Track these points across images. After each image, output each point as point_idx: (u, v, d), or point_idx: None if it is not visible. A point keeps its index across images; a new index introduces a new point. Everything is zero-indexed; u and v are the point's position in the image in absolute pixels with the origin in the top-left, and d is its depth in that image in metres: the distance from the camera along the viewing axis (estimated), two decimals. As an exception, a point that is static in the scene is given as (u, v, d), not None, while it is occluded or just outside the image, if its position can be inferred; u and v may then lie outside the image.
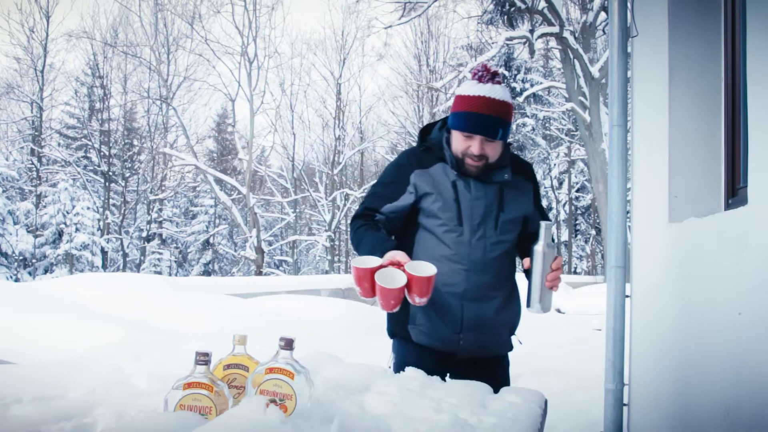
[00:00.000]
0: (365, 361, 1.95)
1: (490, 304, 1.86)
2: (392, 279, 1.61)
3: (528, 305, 1.71)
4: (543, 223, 1.69)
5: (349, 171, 31.52)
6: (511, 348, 2.00)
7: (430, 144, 1.92)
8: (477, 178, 1.83)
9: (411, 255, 1.84)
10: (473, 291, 1.83)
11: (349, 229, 1.95)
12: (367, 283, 1.64)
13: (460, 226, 1.83)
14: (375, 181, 2.08)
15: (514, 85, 21.52)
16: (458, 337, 1.84)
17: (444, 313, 1.84)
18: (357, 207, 2.02)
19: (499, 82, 1.80)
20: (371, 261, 1.67)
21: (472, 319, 1.84)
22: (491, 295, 1.86)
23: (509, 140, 1.92)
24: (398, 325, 1.93)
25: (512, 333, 1.98)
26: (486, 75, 1.78)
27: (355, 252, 1.88)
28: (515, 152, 2.20)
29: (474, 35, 20.44)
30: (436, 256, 1.82)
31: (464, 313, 1.83)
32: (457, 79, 18.11)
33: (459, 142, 1.82)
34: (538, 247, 1.68)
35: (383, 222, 1.89)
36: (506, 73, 21.14)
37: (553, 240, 1.76)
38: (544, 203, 25.93)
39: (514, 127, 22.01)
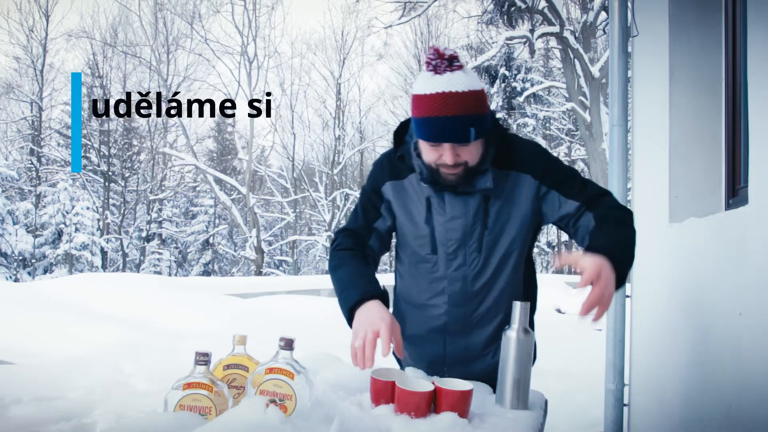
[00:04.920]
0: (365, 361, 1.94)
1: (478, 336, 1.61)
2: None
3: (496, 401, 1.39)
4: (518, 304, 1.37)
5: (349, 171, 31.51)
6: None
7: (403, 151, 1.59)
8: (456, 189, 1.53)
9: (394, 291, 1.65)
10: (456, 324, 1.60)
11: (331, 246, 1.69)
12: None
13: (433, 255, 1.58)
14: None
15: (514, 85, 21.48)
16: (443, 370, 1.63)
17: (427, 345, 1.64)
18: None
19: (460, 67, 1.41)
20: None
21: (457, 352, 1.62)
22: (480, 326, 1.61)
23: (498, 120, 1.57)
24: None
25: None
26: (441, 63, 1.40)
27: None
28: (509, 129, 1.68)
29: (474, 35, 20.48)
30: (414, 291, 1.64)
31: (447, 348, 1.62)
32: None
33: (428, 152, 1.49)
34: (511, 333, 1.36)
35: (373, 250, 1.64)
36: (506, 73, 21.12)
37: (531, 325, 1.45)
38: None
39: (514, 126, 21.96)
